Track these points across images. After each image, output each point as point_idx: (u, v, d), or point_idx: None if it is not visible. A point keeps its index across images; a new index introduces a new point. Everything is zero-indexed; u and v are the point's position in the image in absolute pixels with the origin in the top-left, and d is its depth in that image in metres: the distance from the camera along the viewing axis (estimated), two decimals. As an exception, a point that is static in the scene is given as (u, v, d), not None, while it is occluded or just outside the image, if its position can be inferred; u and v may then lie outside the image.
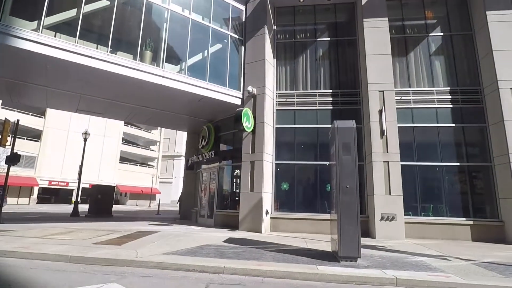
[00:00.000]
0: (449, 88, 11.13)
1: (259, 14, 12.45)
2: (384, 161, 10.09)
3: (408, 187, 10.30)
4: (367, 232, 9.97)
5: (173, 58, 11.42)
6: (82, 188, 21.22)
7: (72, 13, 9.30)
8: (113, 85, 10.76)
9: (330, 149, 6.95)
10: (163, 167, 56.11)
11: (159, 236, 8.82)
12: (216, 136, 13.79)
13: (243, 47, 12.75)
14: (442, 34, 11.75)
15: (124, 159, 49.10)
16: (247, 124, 11.05)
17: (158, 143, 55.91)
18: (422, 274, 4.99)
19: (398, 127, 10.41)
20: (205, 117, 14.24)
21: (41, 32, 8.49)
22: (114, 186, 22.75)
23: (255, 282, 4.69)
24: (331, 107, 11.80)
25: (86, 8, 9.45)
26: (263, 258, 6.00)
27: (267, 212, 10.84)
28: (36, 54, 8.50)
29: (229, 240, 8.30)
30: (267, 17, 12.19)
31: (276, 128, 11.99)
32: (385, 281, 4.69)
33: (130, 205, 47.22)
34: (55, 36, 8.88)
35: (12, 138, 12.70)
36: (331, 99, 11.88)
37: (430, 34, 11.81)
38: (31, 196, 37.71)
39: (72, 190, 40.70)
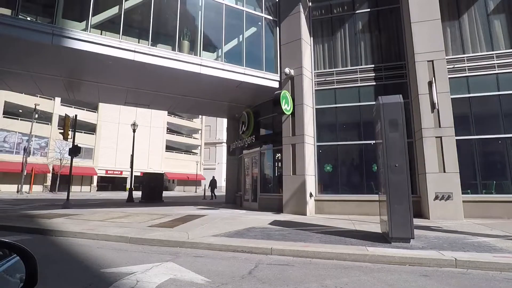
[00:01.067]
0: (513, 52, 9.86)
1: (293, -9, 11.99)
2: (436, 137, 9.36)
3: (465, 163, 9.50)
4: (420, 213, 9.46)
5: (210, 45, 11.54)
6: (134, 176, 22.79)
7: (114, 10, 9.76)
8: (155, 76, 11.22)
9: (375, 127, 6.61)
10: (206, 154, 58.11)
11: (207, 219, 9.23)
12: (256, 121, 13.85)
13: (277, 28, 12.44)
14: (503, -10, 10.34)
15: (170, 147, 51.69)
16: (286, 106, 10.91)
17: (200, 131, 57.84)
18: (487, 255, 4.61)
19: (452, 98, 9.53)
20: (243, 102, 14.33)
21: (90, 31, 9.07)
22: (163, 174, 24.17)
23: (303, 263, 4.72)
24: (374, 83, 11.16)
25: (127, 4, 9.85)
26: (309, 239, 6.00)
27: (311, 195, 10.77)
28: (86, 52, 9.13)
29: (275, 223, 8.42)
30: (301, -7, 11.69)
31: (316, 109, 11.68)
32: (442, 263, 4.43)
33: (178, 191, 50.01)
34: (101, 34, 9.43)
35: (72, 132, 13.97)
36: (374, 74, 11.21)
37: (489, -8, 10.46)
38: (92, 184, 41.64)
39: (126, 178, 44.00)
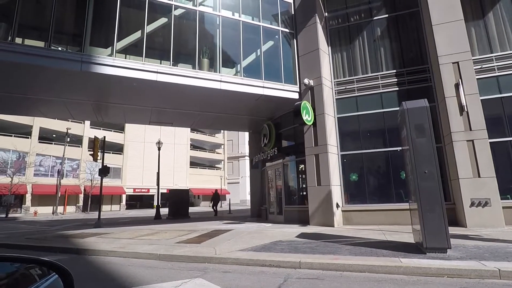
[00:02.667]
0: (545, 46, 9.33)
1: (308, 4, 12.12)
2: (467, 140, 8.91)
3: (502, 167, 8.94)
4: (455, 220, 8.93)
5: (229, 61, 11.82)
6: (161, 193, 23.28)
7: (137, 35, 10.28)
8: (177, 95, 11.59)
9: (401, 133, 6.41)
10: (229, 168, 58.55)
11: (233, 234, 9.21)
12: (277, 133, 13.85)
13: (294, 40, 12.56)
14: (529, -16, 9.91)
15: (194, 163, 52.61)
16: (307, 117, 10.86)
17: (222, 146, 58.58)
18: (534, 266, 4.26)
19: (482, 100, 9.09)
20: (264, 115, 14.42)
21: (115, 56, 9.58)
22: (189, 190, 24.54)
23: (334, 277, 4.56)
24: (397, 88, 10.89)
25: (148, 28, 10.36)
26: (339, 252, 5.81)
27: (337, 205, 10.50)
28: (112, 76, 9.63)
29: (302, 235, 8.26)
30: (316, 5, 11.80)
31: (337, 117, 11.53)
32: (484, 274, 4.13)
33: (203, 206, 50.41)
34: (125, 58, 9.93)
35: (101, 153, 14.59)
36: (396, 79, 10.96)
37: (513, -13, 10.06)
38: (121, 203, 42.94)
39: (153, 195, 45.05)
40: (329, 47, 12.20)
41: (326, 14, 12.34)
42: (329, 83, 11.70)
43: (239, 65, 11.69)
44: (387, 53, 11.46)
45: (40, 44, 9.17)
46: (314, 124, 11.16)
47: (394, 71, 11.07)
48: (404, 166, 6.71)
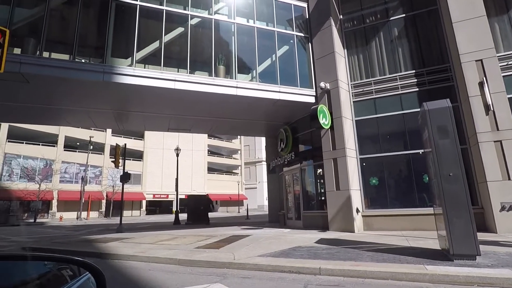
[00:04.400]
0: None
1: (322, 7, 12.06)
2: (495, 141, 8.50)
3: (534, 169, 8.45)
4: (484, 226, 8.50)
5: (244, 68, 11.92)
6: (179, 199, 23.59)
7: (155, 45, 10.57)
8: (195, 102, 11.78)
9: (423, 135, 6.21)
10: (247, 174, 58.67)
11: (252, 239, 9.17)
12: (294, 137, 13.78)
13: (309, 44, 12.52)
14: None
15: (211, 169, 53.08)
16: (324, 121, 10.74)
17: (239, 151, 58.84)
18: None
19: (509, 98, 8.68)
20: (281, 120, 14.39)
21: (135, 66, 9.88)
22: (207, 195, 24.75)
23: (355, 284, 4.44)
24: (417, 89, 10.60)
25: (166, 38, 10.63)
26: (360, 258, 5.66)
27: (357, 210, 10.26)
28: (132, 86, 9.92)
29: (321, 241, 8.12)
30: (331, 8, 11.73)
31: (355, 120, 11.33)
32: (518, 283, 3.90)
33: (221, 212, 50.70)
34: (144, 67, 10.22)
35: (123, 160, 15.00)
36: (415, 80, 10.67)
37: (540, -20, 9.61)
38: (141, 209, 43.85)
39: (172, 201, 45.71)
40: (345, 50, 12.06)
41: (341, 16, 12.23)
42: (346, 86, 11.55)
43: (254, 71, 11.76)
44: (405, 53, 11.20)
45: (65, 57, 9.60)
46: (332, 127, 11.02)
47: (413, 71, 10.79)
48: (427, 169, 6.49)
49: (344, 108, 10.99)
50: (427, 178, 9.05)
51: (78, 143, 37.89)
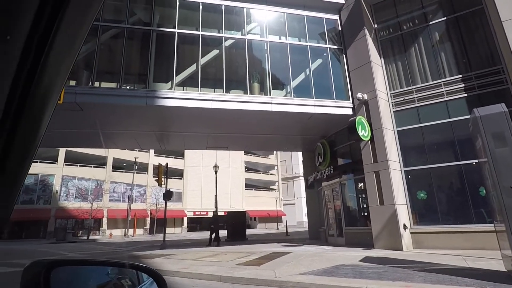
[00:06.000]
0: None
1: (355, 18, 11.93)
2: None
3: None
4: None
5: (278, 83, 12.05)
6: (219, 215, 23.85)
7: (193, 68, 11.13)
8: (231, 120, 12.08)
9: (475, 144, 5.72)
10: (284, 189, 57.99)
11: (292, 256, 8.94)
12: (332, 151, 13.44)
13: (344, 55, 12.35)
14: None
15: (249, 185, 53.30)
16: (363, 132, 10.38)
17: (276, 167, 58.61)
18: None
19: None
20: (317, 133, 14.17)
21: (174, 89, 10.45)
22: (245, 212, 24.77)
23: (408, 307, 4.09)
24: (465, 95, 9.88)
25: (202, 61, 11.16)
26: (410, 278, 5.24)
27: (405, 227, 9.59)
28: (173, 108, 10.46)
29: (366, 259, 7.67)
30: (364, 18, 11.55)
31: (397, 131, 10.80)
32: None
33: (260, 229, 50.30)
34: (183, 90, 10.77)
35: (165, 179, 15.66)
36: (463, 85, 9.97)
37: None
38: (182, 226, 45.04)
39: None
40: (382, 59, 11.71)
41: (376, 25, 11.97)
42: (384, 96, 11.13)
43: (289, 86, 11.82)
44: (449, 57, 10.58)
45: (113, 85, 10.45)
46: (372, 139, 10.59)
47: (460, 76, 10.11)
48: (484, 181, 5.93)
49: (384, 119, 10.56)
50: (484, 191, 8.26)
51: (124, 164, 40.42)
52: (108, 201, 36.62)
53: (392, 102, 11.13)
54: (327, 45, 12.56)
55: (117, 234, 36.36)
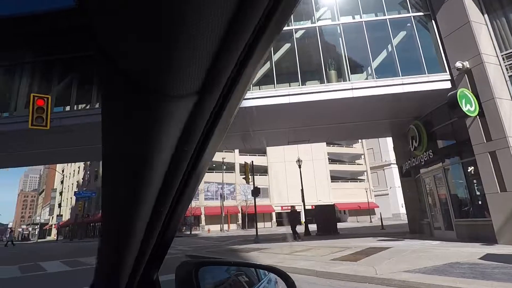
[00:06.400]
0: None
1: (444, -25, 10.22)
2: None
3: None
4: None
5: (357, 67, 11.23)
6: (306, 209, 23.79)
7: (267, 66, 11.23)
8: (310, 112, 11.78)
9: None
10: (374, 179, 54.21)
11: (393, 252, 8.21)
12: (428, 132, 11.82)
13: (432, 22, 10.74)
14: None
15: (334, 177, 51.56)
16: (469, 107, 8.81)
17: (362, 156, 55.23)
18: None
19: None
20: (408, 115, 12.68)
21: (252, 90, 10.73)
22: (334, 205, 24.04)
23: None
24: None
25: (275, 57, 11.17)
26: (559, 281, 4.18)
27: (539, 216, 7.79)
28: (250, 108, 10.73)
29: (488, 257, 6.49)
30: (456, -28, 9.80)
31: (516, 100, 8.85)
32: None
33: (350, 222, 48.14)
34: (259, 89, 10.97)
35: (252, 176, 16.31)
36: None
37: None
38: (271, 220, 46.42)
39: (299, 212, 46.56)
40: (485, 15, 9.74)
41: (473, -22, 10.03)
42: (494, 59, 9.23)
43: (369, 68, 10.89)
44: None
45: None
46: (481, 114, 8.91)
47: None
48: None
49: (496, 87, 8.76)
50: None
51: (214, 165, 43.80)
52: (204, 199, 40.31)
53: (506, 65, 9.15)
54: (411, 14, 11.10)
55: (213, 229, 39.69)
